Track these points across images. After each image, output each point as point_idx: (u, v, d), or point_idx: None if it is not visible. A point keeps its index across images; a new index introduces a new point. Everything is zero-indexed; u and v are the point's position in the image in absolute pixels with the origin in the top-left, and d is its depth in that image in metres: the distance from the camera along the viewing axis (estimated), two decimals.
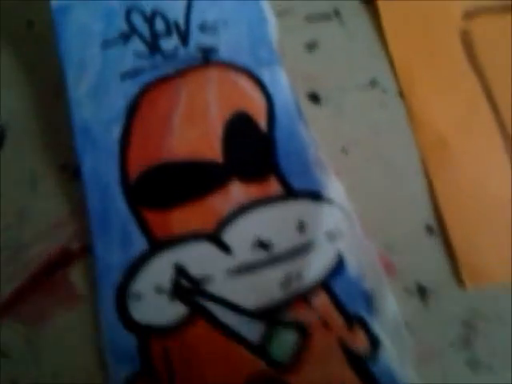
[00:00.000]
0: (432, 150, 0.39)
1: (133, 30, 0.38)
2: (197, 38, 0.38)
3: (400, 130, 0.39)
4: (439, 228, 0.37)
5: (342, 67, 0.41)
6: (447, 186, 0.38)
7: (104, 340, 0.33)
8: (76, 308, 0.34)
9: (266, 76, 0.38)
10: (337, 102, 0.39)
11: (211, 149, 0.36)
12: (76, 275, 0.35)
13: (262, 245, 0.34)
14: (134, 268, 0.33)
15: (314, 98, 0.40)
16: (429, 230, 0.36)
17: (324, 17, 0.42)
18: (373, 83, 0.40)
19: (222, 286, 0.33)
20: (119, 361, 0.32)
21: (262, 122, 0.37)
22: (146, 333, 0.33)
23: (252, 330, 0.33)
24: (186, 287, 0.33)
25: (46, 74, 0.38)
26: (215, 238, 0.34)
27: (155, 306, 0.33)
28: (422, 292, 0.35)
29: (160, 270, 0.33)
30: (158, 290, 0.33)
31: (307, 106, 0.39)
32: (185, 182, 0.35)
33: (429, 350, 0.34)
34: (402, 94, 0.40)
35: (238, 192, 0.35)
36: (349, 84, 0.40)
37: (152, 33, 0.38)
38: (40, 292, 0.34)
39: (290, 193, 0.35)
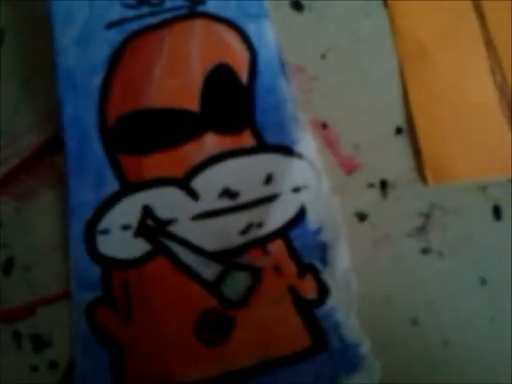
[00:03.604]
0: (411, 59, 0.45)
1: None
2: None
3: (381, 39, 0.45)
4: (409, 129, 0.43)
5: None
6: (421, 91, 0.44)
7: (71, 267, 0.40)
8: (60, 187, 0.42)
9: (251, 29, 0.43)
10: (320, 10, 0.45)
11: (189, 99, 0.41)
12: (61, 160, 0.43)
13: (229, 194, 0.40)
14: (104, 206, 0.40)
15: (297, 5, 0.46)
16: (398, 131, 0.43)
17: None
18: None
19: (185, 229, 0.40)
20: (83, 287, 0.40)
21: (244, 76, 0.42)
22: (109, 264, 0.40)
23: (208, 270, 0.39)
24: (151, 226, 0.40)
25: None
26: (184, 184, 0.40)
27: (120, 241, 0.40)
28: (383, 185, 0.42)
29: (128, 210, 0.40)
30: (125, 227, 0.40)
31: (289, 14, 0.45)
32: (160, 129, 0.41)
33: (383, 237, 0.41)
34: (385, 4, 0.46)
35: (211, 143, 0.41)
36: None
37: None
38: (30, 173, 0.44)
39: (263, 146, 0.41)
